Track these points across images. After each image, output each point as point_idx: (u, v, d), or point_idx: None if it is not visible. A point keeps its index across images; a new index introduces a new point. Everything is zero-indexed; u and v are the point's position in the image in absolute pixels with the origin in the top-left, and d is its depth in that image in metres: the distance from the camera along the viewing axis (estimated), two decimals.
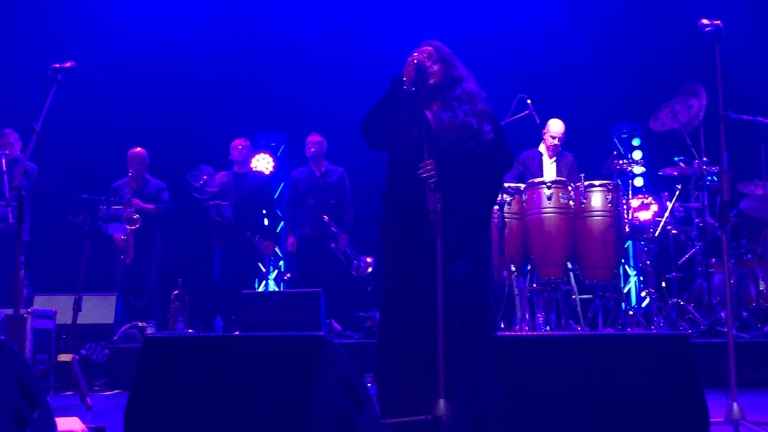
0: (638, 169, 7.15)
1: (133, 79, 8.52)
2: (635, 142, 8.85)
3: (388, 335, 3.67)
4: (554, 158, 6.76)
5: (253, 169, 7.96)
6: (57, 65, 4.10)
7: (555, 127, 6.67)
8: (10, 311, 4.87)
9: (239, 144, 7.54)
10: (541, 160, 6.75)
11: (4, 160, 6.79)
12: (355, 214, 7.44)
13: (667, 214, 6.24)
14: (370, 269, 6.98)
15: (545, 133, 6.74)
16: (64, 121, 7.06)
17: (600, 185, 6.04)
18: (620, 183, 6.34)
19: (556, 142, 6.67)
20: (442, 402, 3.20)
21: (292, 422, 2.49)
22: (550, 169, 6.73)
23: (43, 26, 8.23)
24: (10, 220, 6.62)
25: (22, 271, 5.25)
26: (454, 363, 3.44)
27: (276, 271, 8.95)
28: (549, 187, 5.90)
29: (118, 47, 8.34)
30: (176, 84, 8.61)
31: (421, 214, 3.55)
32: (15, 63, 7.90)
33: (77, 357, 4.80)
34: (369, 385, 2.87)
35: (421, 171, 3.52)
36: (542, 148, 6.81)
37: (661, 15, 8.34)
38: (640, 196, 6.47)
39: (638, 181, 8.15)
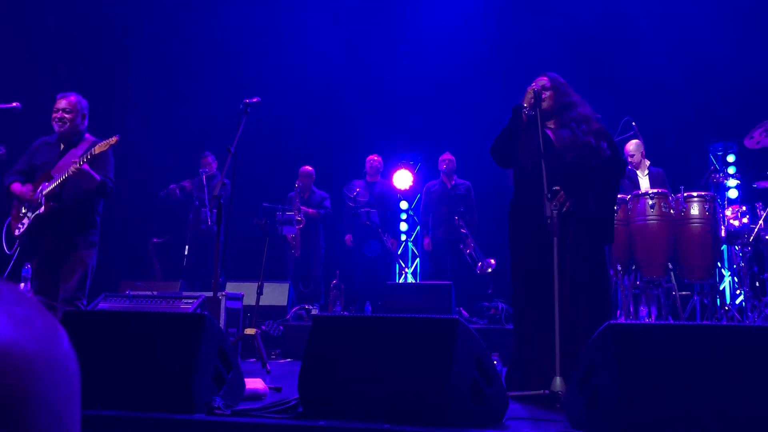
0: (732, 182, 6.72)
1: (302, 109, 8.84)
2: (730, 159, 8.24)
3: (523, 327, 3.59)
4: (646, 172, 6.46)
5: (383, 180, 7.92)
6: (246, 100, 4.26)
7: (627, 148, 6.40)
8: (209, 294, 5.15)
9: (372, 158, 7.69)
10: (636, 175, 6.46)
11: (204, 176, 7.24)
12: (479, 219, 7.42)
13: (761, 221, 5.80)
14: (490, 269, 6.85)
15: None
16: (250, 144, 7.40)
17: (698, 196, 5.73)
18: (716, 195, 5.96)
19: (630, 159, 6.38)
20: (558, 379, 3.10)
21: (432, 390, 2.48)
22: (643, 182, 6.44)
23: (230, 67, 8.69)
24: (209, 223, 7.03)
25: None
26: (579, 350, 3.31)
27: (414, 265, 8.99)
28: (652, 198, 5.62)
29: (291, 84, 8.65)
30: (335, 112, 8.86)
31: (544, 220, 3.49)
32: (212, 98, 8.35)
33: (259, 331, 4.97)
34: (495, 362, 2.80)
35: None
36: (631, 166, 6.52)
37: (753, 39, 7.74)
38: (734, 206, 6.05)
39: (732, 193, 7.60)
